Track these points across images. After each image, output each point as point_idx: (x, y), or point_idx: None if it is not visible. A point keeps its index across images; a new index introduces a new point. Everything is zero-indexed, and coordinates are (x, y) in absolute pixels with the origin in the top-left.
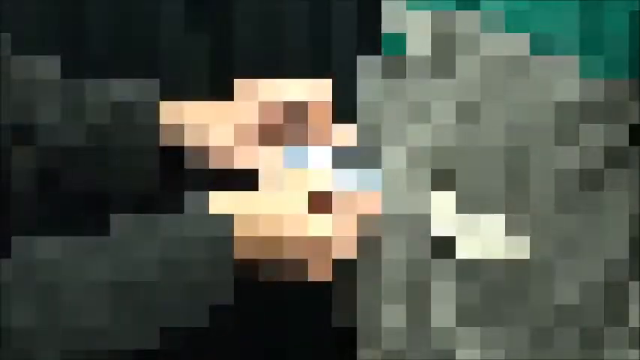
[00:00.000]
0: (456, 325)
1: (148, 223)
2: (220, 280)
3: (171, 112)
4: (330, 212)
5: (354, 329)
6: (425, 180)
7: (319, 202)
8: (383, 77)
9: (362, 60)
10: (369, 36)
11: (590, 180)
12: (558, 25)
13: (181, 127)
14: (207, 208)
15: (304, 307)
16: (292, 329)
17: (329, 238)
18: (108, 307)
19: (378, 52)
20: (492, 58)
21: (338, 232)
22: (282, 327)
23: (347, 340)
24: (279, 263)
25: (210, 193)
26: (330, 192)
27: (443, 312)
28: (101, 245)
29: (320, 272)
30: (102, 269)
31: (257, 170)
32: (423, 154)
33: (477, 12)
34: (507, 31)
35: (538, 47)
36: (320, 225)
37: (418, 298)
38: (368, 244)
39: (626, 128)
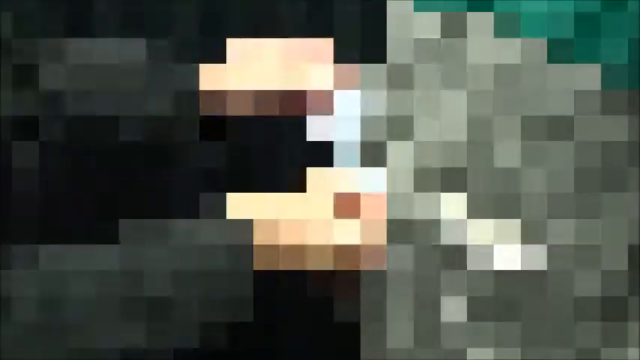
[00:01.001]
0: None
1: (159, 230)
2: (239, 295)
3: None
4: (358, 216)
5: (358, 325)
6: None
7: (346, 205)
8: (388, 87)
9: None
10: (374, 39)
11: (587, 181)
12: (554, 32)
13: (224, 93)
14: (224, 211)
15: (306, 301)
16: (294, 324)
17: (357, 247)
18: (118, 324)
19: (383, 56)
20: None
21: (367, 240)
22: (284, 322)
23: (350, 337)
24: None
25: (228, 195)
26: (359, 194)
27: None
28: (110, 255)
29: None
30: (111, 281)
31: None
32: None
33: (490, 14)
34: (523, 35)
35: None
36: (347, 232)
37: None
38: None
39: (626, 125)
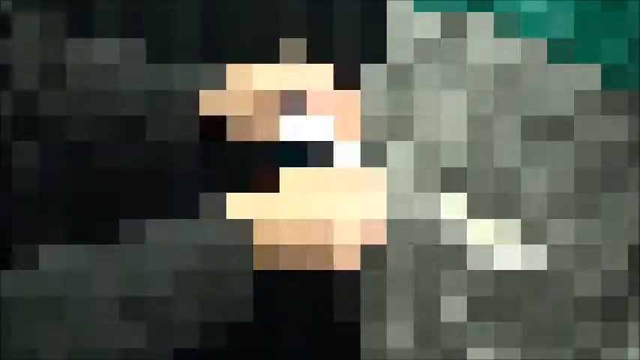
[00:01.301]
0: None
1: (159, 230)
2: (239, 295)
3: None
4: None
5: (358, 325)
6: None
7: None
8: (388, 87)
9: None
10: (374, 39)
11: (587, 181)
12: (555, 32)
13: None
14: (224, 211)
15: (306, 299)
16: (294, 324)
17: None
18: (117, 325)
19: (383, 57)
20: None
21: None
22: (284, 322)
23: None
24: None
25: (228, 195)
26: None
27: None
28: (110, 255)
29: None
30: (111, 282)
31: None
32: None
33: (490, 14)
34: (523, 34)
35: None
36: (347, 232)
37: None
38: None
39: (626, 124)
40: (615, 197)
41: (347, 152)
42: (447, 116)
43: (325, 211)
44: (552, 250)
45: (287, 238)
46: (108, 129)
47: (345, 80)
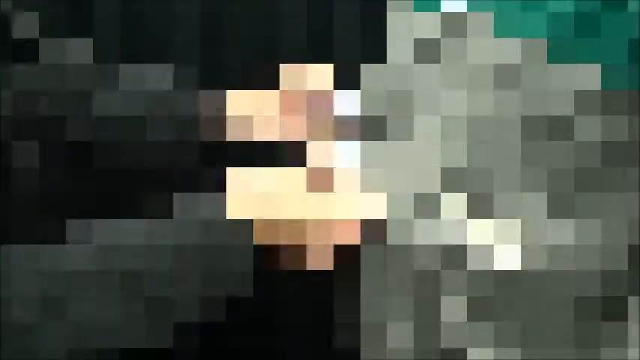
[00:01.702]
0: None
1: (159, 230)
2: (239, 269)
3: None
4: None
5: (358, 325)
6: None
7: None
8: (388, 86)
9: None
10: (374, 39)
11: (586, 180)
12: (556, 32)
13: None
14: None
15: (306, 299)
16: (294, 324)
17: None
18: (118, 300)
19: (383, 57)
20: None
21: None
22: (282, 322)
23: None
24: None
25: (228, 194)
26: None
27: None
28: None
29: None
30: (111, 258)
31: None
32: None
33: (490, 14)
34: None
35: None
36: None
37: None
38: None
39: (625, 123)
40: (615, 197)
41: (347, 152)
42: (447, 116)
43: (325, 211)
44: (552, 250)
45: (287, 238)
46: (108, 129)
47: (345, 80)
